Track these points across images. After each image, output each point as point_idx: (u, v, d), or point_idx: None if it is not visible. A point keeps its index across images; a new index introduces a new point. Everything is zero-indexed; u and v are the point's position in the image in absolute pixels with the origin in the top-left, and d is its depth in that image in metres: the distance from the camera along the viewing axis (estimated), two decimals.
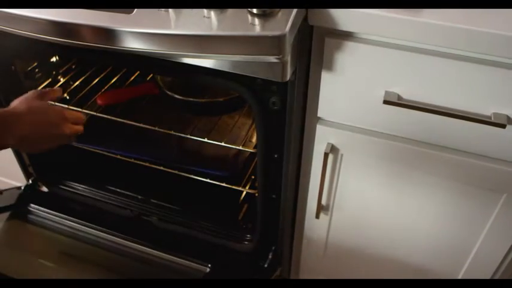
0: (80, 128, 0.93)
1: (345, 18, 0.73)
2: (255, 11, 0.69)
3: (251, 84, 0.81)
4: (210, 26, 0.71)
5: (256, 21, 0.70)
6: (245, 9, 0.70)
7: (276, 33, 0.67)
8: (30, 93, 0.90)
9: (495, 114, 0.76)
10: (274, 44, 0.68)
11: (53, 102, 1.19)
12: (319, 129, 0.90)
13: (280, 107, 0.84)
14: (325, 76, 0.83)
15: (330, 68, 0.82)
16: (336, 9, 0.73)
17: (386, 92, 0.80)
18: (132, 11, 0.76)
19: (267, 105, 0.84)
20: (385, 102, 0.79)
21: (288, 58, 0.73)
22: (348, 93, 0.83)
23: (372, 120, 0.86)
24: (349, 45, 0.78)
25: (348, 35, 0.78)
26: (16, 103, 0.87)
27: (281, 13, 0.70)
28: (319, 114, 0.89)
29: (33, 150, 0.90)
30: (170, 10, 0.74)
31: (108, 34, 0.76)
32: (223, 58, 0.74)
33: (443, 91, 0.77)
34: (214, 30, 0.70)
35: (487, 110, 0.77)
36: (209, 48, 0.72)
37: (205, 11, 0.72)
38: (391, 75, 0.79)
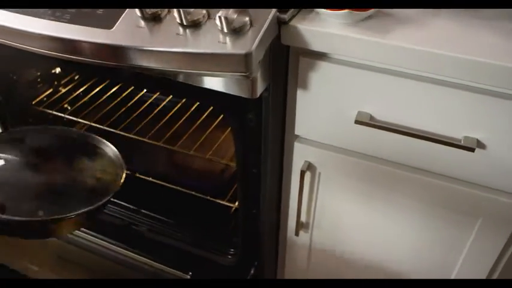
0: None
1: (316, 38, 0.75)
2: (225, 29, 0.71)
3: (227, 100, 0.83)
4: (183, 43, 0.73)
5: (227, 39, 0.72)
6: (217, 28, 0.72)
7: (242, 51, 0.69)
8: None
9: (466, 137, 0.76)
10: (241, 61, 0.70)
11: (50, 111, 1.23)
12: (297, 146, 0.91)
13: (256, 123, 0.86)
14: (300, 94, 0.84)
15: (305, 86, 0.83)
16: (308, 28, 0.74)
17: (359, 112, 0.81)
18: (113, 27, 0.79)
19: (243, 121, 0.86)
20: (357, 122, 0.80)
21: (258, 75, 0.74)
22: (323, 112, 0.85)
23: (347, 140, 0.86)
24: (323, 65, 0.79)
25: (321, 55, 0.79)
26: None
27: (251, 31, 0.72)
28: (296, 132, 0.90)
29: None
30: (147, 27, 0.76)
31: (89, 48, 0.79)
32: (195, 74, 0.76)
33: (416, 113, 0.78)
34: (184, 48, 0.72)
35: (458, 133, 0.77)
36: (180, 64, 0.74)
37: (180, 28, 0.75)
38: (363, 95, 0.80)
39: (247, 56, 0.70)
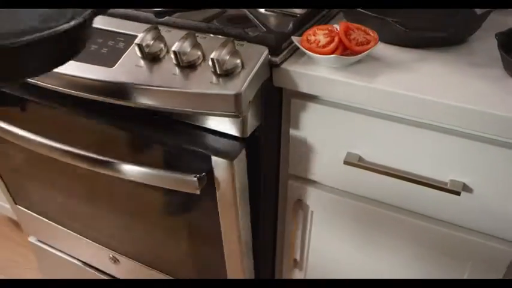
0: None
1: (306, 81, 0.78)
2: (218, 71, 0.74)
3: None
4: (177, 83, 0.77)
5: (220, 80, 0.75)
6: (209, 69, 0.76)
7: (231, 92, 0.72)
8: None
9: (452, 181, 0.78)
10: (231, 102, 0.73)
11: None
12: (290, 185, 0.93)
13: (250, 161, 0.88)
14: (293, 134, 0.87)
15: (297, 126, 0.85)
16: (299, 71, 0.77)
17: (348, 153, 0.83)
18: (114, 65, 0.83)
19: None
20: (346, 163, 0.82)
21: (248, 115, 0.77)
22: (315, 152, 0.87)
23: (337, 180, 0.88)
24: (314, 106, 0.82)
25: (312, 97, 0.82)
26: None
27: (243, 73, 0.75)
28: (289, 171, 0.92)
29: None
30: (146, 66, 0.80)
31: (90, 85, 0.83)
32: (189, 112, 0.79)
33: (403, 155, 0.80)
34: (178, 87, 0.76)
35: (445, 176, 0.78)
36: (175, 102, 0.77)
37: (177, 69, 0.78)
38: (352, 137, 0.82)
39: (236, 97, 0.73)
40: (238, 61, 0.75)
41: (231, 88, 0.73)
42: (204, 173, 0.84)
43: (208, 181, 0.85)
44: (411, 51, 0.83)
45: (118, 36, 0.87)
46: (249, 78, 0.74)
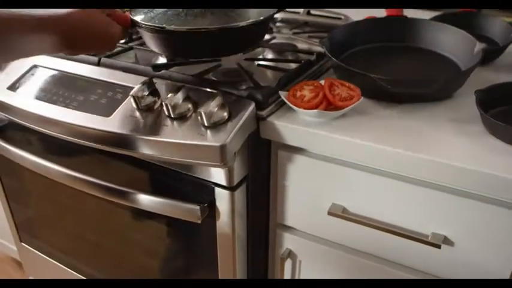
0: (127, 25, 0.84)
1: (291, 134, 0.81)
2: (206, 123, 0.78)
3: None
4: (168, 133, 0.81)
5: (208, 132, 0.79)
6: (199, 122, 0.79)
7: (217, 144, 0.76)
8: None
9: (434, 234, 0.79)
10: (216, 153, 0.76)
11: None
12: (279, 234, 0.95)
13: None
14: (281, 184, 0.89)
15: (284, 177, 0.88)
16: (284, 125, 0.81)
17: (333, 204, 0.85)
18: (111, 115, 0.87)
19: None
20: (329, 213, 0.84)
21: (234, 165, 0.80)
22: (301, 202, 0.89)
23: (323, 230, 0.90)
24: (299, 158, 0.85)
25: (298, 149, 0.85)
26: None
27: (229, 125, 0.79)
28: (278, 220, 0.94)
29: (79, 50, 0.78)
30: (141, 117, 0.85)
31: (88, 133, 0.88)
32: (178, 162, 0.82)
33: (386, 207, 0.81)
34: (168, 138, 0.80)
35: (427, 229, 0.80)
36: (165, 152, 0.81)
37: (168, 120, 0.83)
38: (337, 188, 0.84)
39: (221, 148, 0.76)
40: (226, 114, 0.79)
41: (217, 140, 0.77)
42: (206, 204, 0.87)
43: (210, 211, 0.88)
44: (395, 106, 0.86)
45: (117, 88, 0.92)
46: (234, 131, 0.77)
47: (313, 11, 1.30)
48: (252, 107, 0.81)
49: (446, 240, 0.78)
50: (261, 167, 0.89)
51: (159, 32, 0.83)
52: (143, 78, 0.89)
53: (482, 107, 0.79)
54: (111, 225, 1.10)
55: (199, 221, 0.85)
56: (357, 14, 1.25)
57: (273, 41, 1.15)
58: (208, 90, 0.85)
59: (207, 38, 0.82)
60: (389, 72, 0.93)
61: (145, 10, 0.87)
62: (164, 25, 0.82)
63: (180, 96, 0.82)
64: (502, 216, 0.72)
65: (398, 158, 0.74)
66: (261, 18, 0.85)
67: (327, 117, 0.80)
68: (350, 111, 0.83)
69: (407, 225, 0.81)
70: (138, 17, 0.85)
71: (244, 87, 0.84)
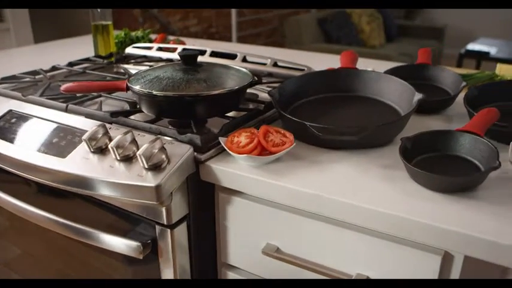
0: None
1: (226, 177, 0.87)
2: (145, 165, 0.85)
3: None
4: (111, 174, 0.87)
5: (148, 173, 0.85)
6: (141, 164, 0.86)
7: (152, 184, 0.82)
8: None
9: (358, 274, 0.83)
10: (152, 192, 0.83)
11: None
12: (224, 272, 0.99)
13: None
14: (222, 224, 0.95)
15: (225, 217, 0.94)
16: (219, 168, 0.87)
17: (267, 244, 0.90)
18: (66, 156, 0.94)
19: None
20: (263, 253, 0.89)
21: (171, 204, 0.86)
22: (240, 241, 0.94)
23: (260, 268, 0.94)
24: (236, 199, 0.90)
25: (234, 191, 0.90)
26: None
27: (168, 167, 0.85)
28: (222, 259, 0.99)
29: None
30: (93, 158, 0.91)
31: (44, 172, 0.95)
32: (121, 200, 0.89)
33: (315, 248, 0.86)
34: (111, 178, 0.86)
35: (352, 269, 0.83)
36: (110, 191, 0.87)
37: (116, 162, 0.89)
38: (270, 229, 0.89)
39: (157, 188, 0.82)
40: (164, 157, 0.85)
41: (152, 180, 0.83)
42: (149, 241, 0.93)
43: (153, 248, 0.93)
44: (330, 152, 0.92)
45: (76, 132, 1.00)
46: (170, 173, 0.84)
47: (279, 63, 1.38)
48: (190, 151, 0.87)
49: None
50: (204, 207, 0.95)
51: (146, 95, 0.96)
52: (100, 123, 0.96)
53: (409, 153, 0.85)
54: (74, 253, 1.16)
55: (141, 257, 0.91)
56: (320, 65, 1.33)
57: None
58: (153, 135, 0.92)
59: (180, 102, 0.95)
60: (333, 120, 1.00)
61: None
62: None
63: (126, 139, 0.88)
64: (417, 258, 0.76)
65: (321, 202, 0.79)
66: (236, 87, 0.98)
67: (256, 161, 0.86)
68: (286, 156, 0.89)
69: (334, 266, 0.85)
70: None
71: (186, 134, 0.91)
